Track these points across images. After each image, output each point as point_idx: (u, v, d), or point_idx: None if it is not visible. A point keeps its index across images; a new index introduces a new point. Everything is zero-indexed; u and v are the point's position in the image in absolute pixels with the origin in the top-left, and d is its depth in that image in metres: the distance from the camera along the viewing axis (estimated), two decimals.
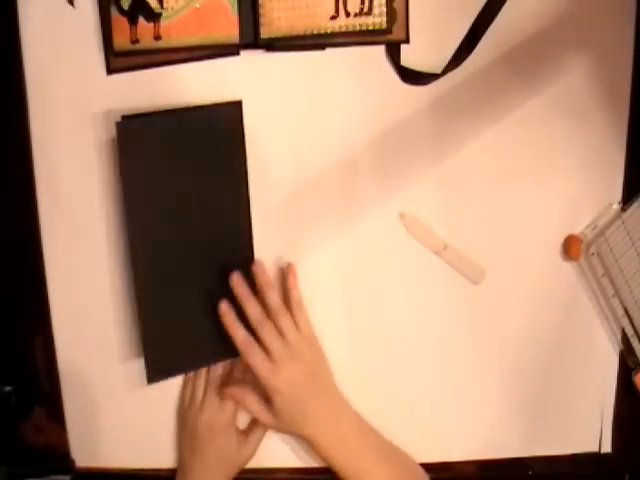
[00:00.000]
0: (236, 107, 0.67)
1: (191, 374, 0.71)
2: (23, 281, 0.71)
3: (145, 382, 0.69)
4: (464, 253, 0.72)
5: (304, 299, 0.71)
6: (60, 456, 0.72)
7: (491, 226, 0.72)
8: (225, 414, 0.69)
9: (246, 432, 0.71)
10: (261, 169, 0.69)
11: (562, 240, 0.72)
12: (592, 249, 0.70)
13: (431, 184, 0.70)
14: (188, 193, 0.67)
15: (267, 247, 0.71)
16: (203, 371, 0.71)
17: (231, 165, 0.68)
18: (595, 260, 0.70)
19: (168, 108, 0.68)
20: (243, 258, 0.68)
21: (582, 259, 0.71)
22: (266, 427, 0.71)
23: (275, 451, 0.74)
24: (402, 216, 0.71)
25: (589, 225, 0.71)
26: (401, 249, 0.71)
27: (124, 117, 0.66)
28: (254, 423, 0.71)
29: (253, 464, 0.73)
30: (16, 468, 0.73)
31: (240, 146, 0.68)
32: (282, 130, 0.69)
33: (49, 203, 0.70)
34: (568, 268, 0.73)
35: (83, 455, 0.74)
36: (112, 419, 0.73)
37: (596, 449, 0.76)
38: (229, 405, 0.70)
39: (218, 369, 0.71)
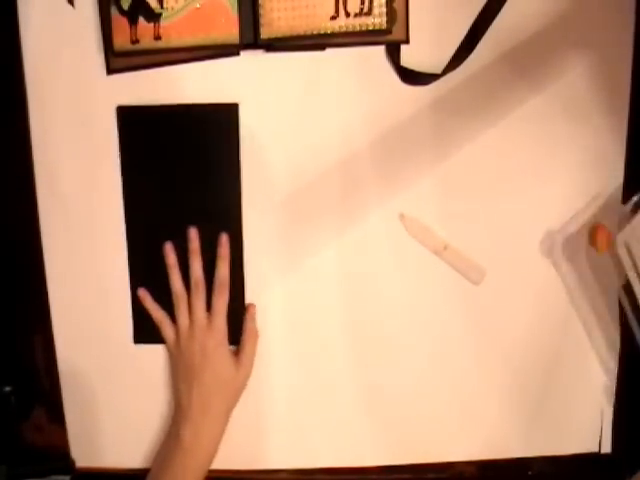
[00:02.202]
0: (233, 109, 0.68)
1: (166, 314, 0.70)
2: (23, 281, 0.71)
3: (147, 385, 0.70)
4: (464, 253, 0.72)
5: (306, 297, 0.71)
6: (60, 456, 0.72)
7: (491, 226, 0.71)
8: (215, 334, 0.69)
9: (237, 352, 0.70)
10: (261, 169, 0.70)
11: (562, 240, 0.72)
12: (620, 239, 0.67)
13: (431, 184, 0.70)
14: (182, 183, 0.69)
15: (267, 247, 0.71)
16: (182, 300, 0.69)
17: (225, 164, 0.69)
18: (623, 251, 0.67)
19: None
20: (232, 252, 0.70)
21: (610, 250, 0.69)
22: (255, 343, 0.71)
23: (275, 451, 0.74)
24: (402, 217, 0.71)
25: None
26: (401, 249, 0.71)
27: (120, 107, 0.68)
28: (243, 341, 0.71)
29: (253, 465, 0.73)
30: (16, 468, 0.73)
31: (235, 146, 0.69)
32: (282, 130, 0.69)
33: (49, 203, 0.70)
34: (569, 267, 0.73)
35: (83, 455, 0.74)
36: (112, 419, 0.73)
37: (596, 449, 0.76)
38: (218, 324, 0.69)
39: (198, 294, 0.69)
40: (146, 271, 0.71)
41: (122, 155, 0.69)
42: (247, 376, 0.71)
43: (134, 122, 0.68)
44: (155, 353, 0.72)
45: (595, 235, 0.70)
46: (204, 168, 0.69)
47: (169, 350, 0.71)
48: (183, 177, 0.69)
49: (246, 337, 0.70)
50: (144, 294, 0.71)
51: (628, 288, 0.70)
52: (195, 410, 0.67)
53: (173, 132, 0.68)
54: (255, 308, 0.71)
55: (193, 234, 0.69)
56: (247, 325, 0.71)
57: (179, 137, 0.69)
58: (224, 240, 0.69)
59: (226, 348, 0.69)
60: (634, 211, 0.68)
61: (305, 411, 0.73)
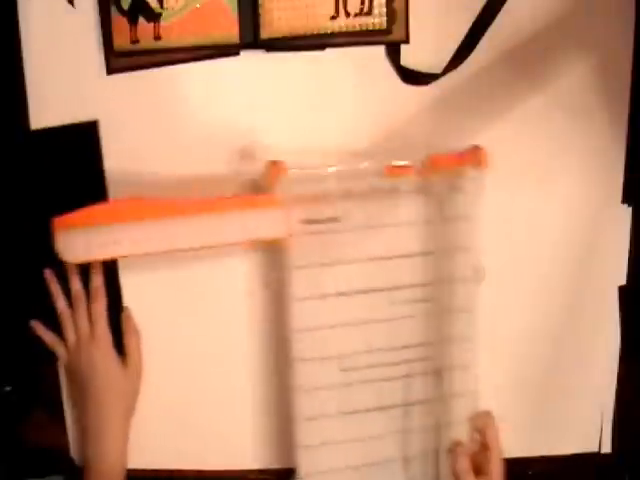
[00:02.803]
0: (92, 126, 0.68)
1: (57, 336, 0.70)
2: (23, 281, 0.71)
3: (146, 385, 0.70)
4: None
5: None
6: (60, 456, 0.72)
7: (491, 226, 0.71)
8: (98, 342, 0.68)
9: (123, 356, 0.70)
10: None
11: (563, 240, 0.72)
12: None
13: None
14: (54, 205, 0.66)
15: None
16: (67, 318, 0.69)
17: (91, 180, 0.68)
18: None
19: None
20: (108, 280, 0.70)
21: None
22: (138, 341, 0.70)
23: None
24: None
25: None
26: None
27: None
28: (126, 342, 0.70)
29: (256, 465, 0.73)
30: (16, 468, 0.73)
31: (98, 161, 0.68)
32: (282, 130, 0.69)
33: None
34: (569, 268, 0.73)
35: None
36: None
37: (596, 449, 0.76)
38: (99, 332, 0.68)
39: (79, 307, 0.69)
40: (36, 298, 0.70)
41: None
42: (138, 377, 0.70)
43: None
44: (152, 354, 0.72)
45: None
46: (73, 187, 0.68)
47: (64, 370, 0.71)
48: (54, 199, 0.67)
49: (127, 338, 0.70)
50: (35, 324, 0.70)
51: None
52: (93, 426, 0.67)
53: (39, 155, 0.68)
54: (129, 309, 0.70)
55: None
56: (125, 325, 0.70)
57: (45, 160, 0.68)
58: None
59: (111, 355, 0.68)
60: None
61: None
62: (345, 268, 0.66)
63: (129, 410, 0.69)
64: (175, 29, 0.65)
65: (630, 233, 0.72)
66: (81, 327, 0.69)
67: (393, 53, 0.68)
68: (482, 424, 0.67)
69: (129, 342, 0.70)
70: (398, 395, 0.69)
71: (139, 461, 0.72)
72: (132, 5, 0.64)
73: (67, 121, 0.68)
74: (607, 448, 0.76)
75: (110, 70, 0.67)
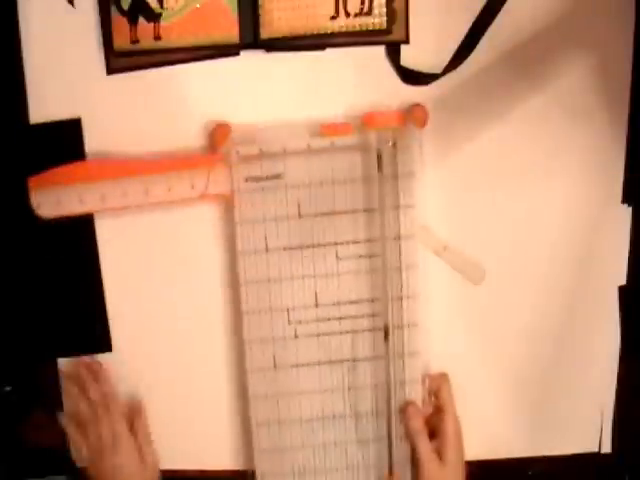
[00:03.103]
0: (75, 124, 0.68)
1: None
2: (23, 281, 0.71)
3: (145, 385, 0.70)
4: (464, 253, 0.72)
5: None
6: (60, 456, 0.72)
7: (491, 226, 0.72)
8: (120, 448, 0.68)
9: (139, 447, 0.70)
10: None
11: (563, 240, 0.72)
12: None
13: (431, 184, 0.70)
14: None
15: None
16: (89, 419, 0.69)
17: None
18: None
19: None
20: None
21: None
22: (147, 433, 0.70)
23: None
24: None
25: None
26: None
27: None
28: (142, 448, 0.70)
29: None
30: (16, 468, 0.73)
31: (80, 159, 0.68)
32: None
33: None
34: (568, 268, 0.73)
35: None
36: None
37: (596, 449, 0.76)
38: (120, 437, 0.68)
39: (102, 417, 0.69)
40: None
41: None
42: (155, 473, 0.70)
43: None
44: (150, 356, 0.72)
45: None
46: None
47: (87, 473, 0.70)
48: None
49: (144, 442, 0.70)
50: (61, 416, 0.71)
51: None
52: None
53: (24, 151, 0.68)
54: (144, 411, 0.71)
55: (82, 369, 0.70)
56: (138, 426, 0.70)
57: (28, 156, 0.68)
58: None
59: (132, 458, 0.68)
60: None
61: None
62: (290, 223, 0.68)
63: None
64: (175, 29, 0.65)
65: (630, 233, 0.72)
66: (102, 433, 0.68)
67: (393, 53, 0.68)
68: (436, 386, 0.68)
69: (145, 445, 0.70)
70: (346, 351, 0.69)
71: None
72: (132, 5, 0.64)
73: None
74: (607, 448, 0.76)
75: (110, 70, 0.67)
